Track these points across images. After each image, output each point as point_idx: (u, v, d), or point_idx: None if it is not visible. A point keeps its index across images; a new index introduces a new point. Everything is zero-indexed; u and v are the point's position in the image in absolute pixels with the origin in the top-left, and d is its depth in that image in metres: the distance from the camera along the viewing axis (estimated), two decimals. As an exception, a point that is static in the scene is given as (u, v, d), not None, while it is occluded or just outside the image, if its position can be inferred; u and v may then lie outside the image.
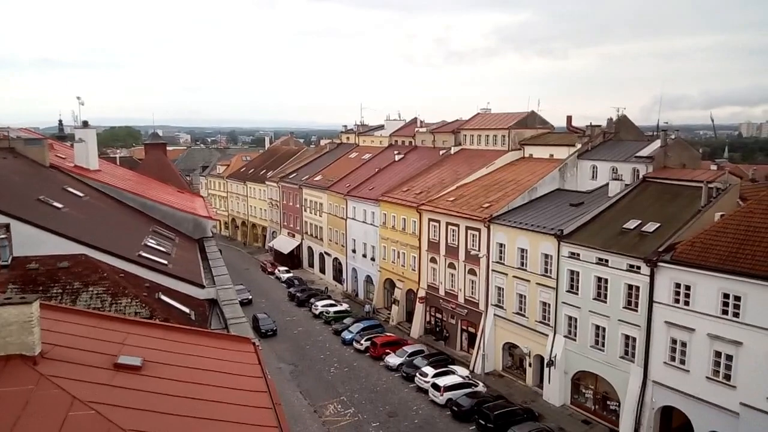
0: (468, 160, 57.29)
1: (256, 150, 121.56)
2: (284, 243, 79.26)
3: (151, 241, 19.69)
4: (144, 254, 17.65)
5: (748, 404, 28.31)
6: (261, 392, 10.04)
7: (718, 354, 29.53)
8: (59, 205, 18.35)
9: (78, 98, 34.27)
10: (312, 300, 59.41)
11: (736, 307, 28.50)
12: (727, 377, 29.22)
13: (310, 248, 75.27)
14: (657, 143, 42.27)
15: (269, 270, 74.45)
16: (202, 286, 17.83)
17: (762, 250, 28.12)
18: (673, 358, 31.65)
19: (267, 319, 52.97)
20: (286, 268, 73.00)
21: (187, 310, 15.90)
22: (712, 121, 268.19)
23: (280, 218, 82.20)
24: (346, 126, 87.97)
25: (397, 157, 66.75)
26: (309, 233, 74.63)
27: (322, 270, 72.07)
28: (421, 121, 72.98)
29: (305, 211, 74.75)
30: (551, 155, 50.10)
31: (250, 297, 60.60)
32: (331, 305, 57.43)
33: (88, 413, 7.56)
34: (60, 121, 74.45)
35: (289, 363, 45.98)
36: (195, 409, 8.79)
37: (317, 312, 56.67)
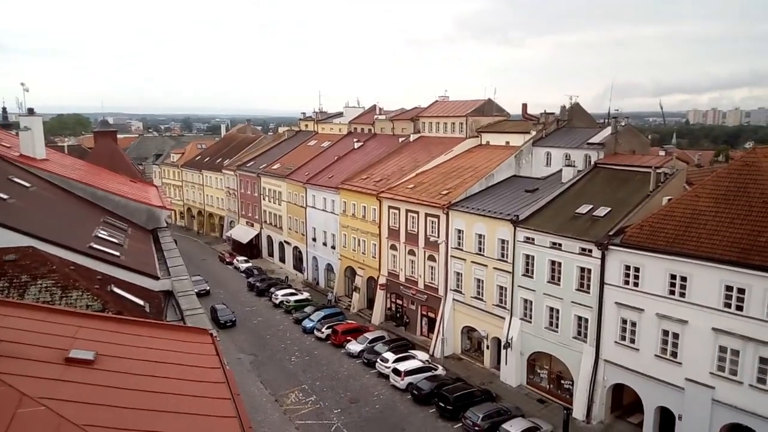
0: (427, 147, 57.67)
1: (212, 138, 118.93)
2: (243, 232, 78.20)
3: (102, 232, 19.12)
4: (95, 246, 17.14)
5: (692, 379, 29.83)
6: (219, 383, 9.96)
7: (665, 332, 30.92)
8: (4, 196, 17.59)
9: (22, 84, 32.77)
10: (272, 290, 58.97)
11: (683, 287, 29.87)
12: (674, 354, 30.66)
13: (269, 237, 74.53)
14: (608, 130, 43.59)
15: (227, 260, 73.39)
16: (157, 278, 17.46)
17: (707, 233, 29.48)
18: (623, 338, 32.95)
19: (226, 310, 52.32)
20: (244, 258, 72.12)
21: (141, 302, 15.56)
22: (661, 108, 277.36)
23: (238, 207, 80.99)
24: (304, 113, 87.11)
25: (356, 145, 66.60)
26: (268, 222, 73.84)
27: (282, 259, 71.53)
28: (380, 109, 72.92)
29: (264, 199, 73.86)
30: (507, 142, 50.98)
31: (208, 288, 59.69)
32: (292, 294, 57.16)
33: (38, 409, 7.36)
34: (3, 108, 71.24)
35: (249, 353, 45.62)
36: (151, 401, 8.67)
37: (277, 301, 56.31)
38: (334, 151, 68.96)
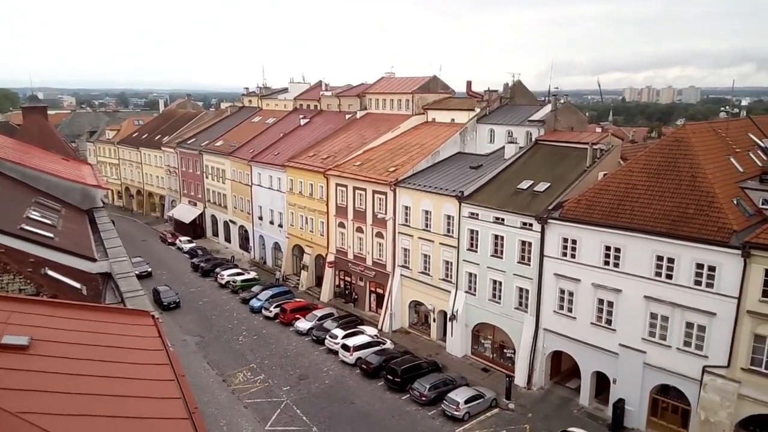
0: (374, 124, 57.55)
1: (150, 113, 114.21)
2: (185, 212, 76.13)
3: (34, 213, 18.23)
4: (27, 227, 16.34)
5: (626, 345, 31.59)
6: (162, 365, 9.83)
7: (601, 301, 32.49)
8: None
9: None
10: (217, 270, 57.98)
11: (617, 258, 31.38)
12: (609, 322, 32.31)
13: (213, 217, 72.91)
14: (548, 108, 44.76)
15: (170, 240, 71.43)
16: (94, 260, 16.87)
17: (639, 206, 30.98)
18: (561, 307, 34.43)
19: (169, 291, 51.12)
20: (188, 238, 70.38)
21: (78, 285, 15.03)
22: (599, 86, 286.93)
23: (180, 186, 78.64)
24: (247, 89, 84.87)
25: (302, 122, 65.67)
26: (212, 201, 72.13)
27: (228, 239, 70.25)
28: (326, 85, 72.01)
29: (207, 177, 71.98)
30: (452, 119, 51.54)
31: (150, 269, 58.05)
32: (238, 274, 56.41)
33: (-32, 399, 7.06)
34: None
35: (194, 335, 44.88)
36: (90, 386, 8.47)
37: (223, 281, 55.46)
38: (280, 127, 67.77)
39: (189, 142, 76.09)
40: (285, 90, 77.29)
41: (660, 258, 29.69)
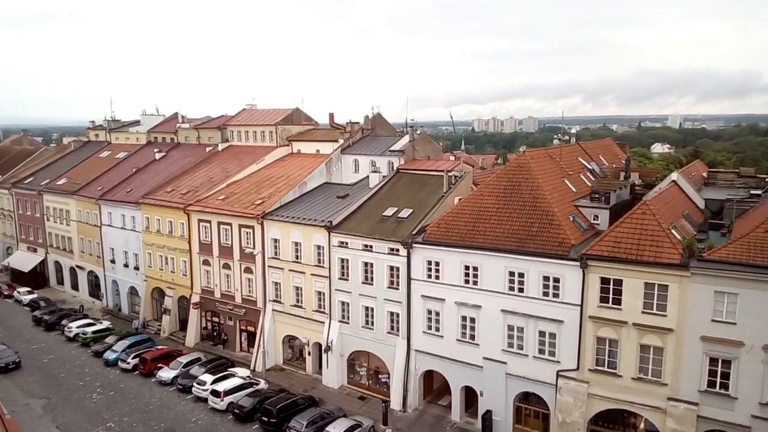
0: (237, 156, 56.28)
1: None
2: (23, 260, 68.01)
3: None
4: None
5: (489, 357, 33.56)
6: (-3, 433, 8.66)
7: (464, 318, 34.33)
8: None
9: None
10: (64, 322, 52.26)
11: (475, 276, 33.49)
12: (472, 337, 34.18)
13: (57, 263, 65.87)
14: (406, 138, 47.10)
15: (6, 293, 63.36)
16: None
17: (492, 226, 33.48)
18: (430, 327, 35.81)
19: (6, 351, 45.01)
20: (28, 289, 62.81)
21: None
22: (452, 118, 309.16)
23: (16, 231, 70.26)
24: (93, 122, 78.85)
25: (157, 156, 62.32)
26: (55, 246, 65.21)
27: (75, 287, 63.76)
28: (183, 117, 69.26)
29: (48, 220, 65.10)
30: (317, 150, 52.13)
31: (-19, 327, 50.77)
32: (89, 325, 51.28)
33: None
34: None
35: (39, 397, 39.77)
36: None
37: (72, 334, 50.08)
38: (132, 162, 63.62)
39: (26, 181, 68.65)
40: (137, 123, 73.02)
41: (512, 273, 32.18)
